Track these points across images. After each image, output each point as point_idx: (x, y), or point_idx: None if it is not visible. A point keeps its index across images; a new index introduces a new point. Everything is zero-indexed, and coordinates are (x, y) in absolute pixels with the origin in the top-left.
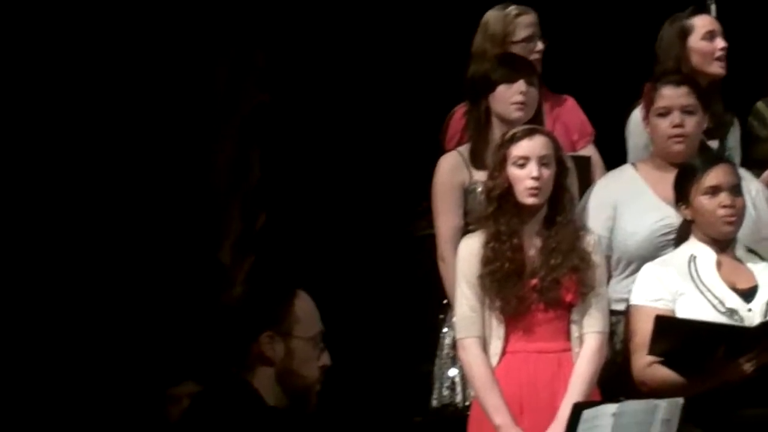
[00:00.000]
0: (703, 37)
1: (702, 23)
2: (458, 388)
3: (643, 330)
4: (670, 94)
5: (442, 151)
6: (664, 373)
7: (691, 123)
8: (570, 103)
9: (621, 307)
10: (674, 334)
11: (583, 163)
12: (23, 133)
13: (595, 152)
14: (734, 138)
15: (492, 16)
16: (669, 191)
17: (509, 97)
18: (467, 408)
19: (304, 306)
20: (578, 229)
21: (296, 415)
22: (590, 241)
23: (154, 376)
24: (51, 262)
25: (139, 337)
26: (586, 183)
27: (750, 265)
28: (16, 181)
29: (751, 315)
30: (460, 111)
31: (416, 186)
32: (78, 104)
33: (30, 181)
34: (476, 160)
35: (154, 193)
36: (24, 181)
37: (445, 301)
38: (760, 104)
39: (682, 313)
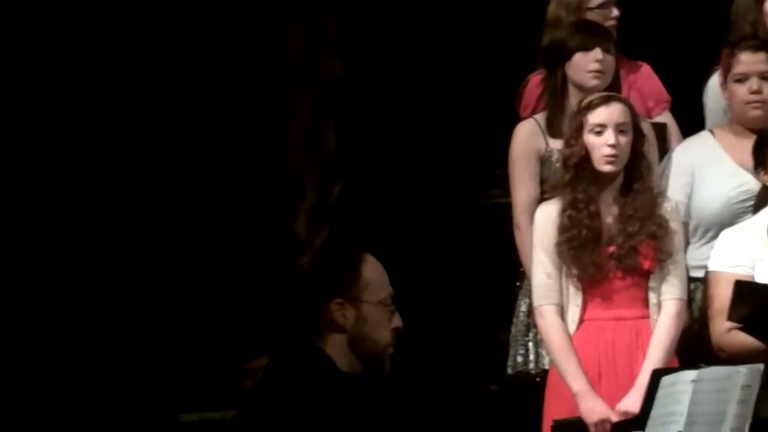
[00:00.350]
0: None
1: None
2: (531, 356)
3: (721, 296)
4: (748, 60)
5: (517, 119)
6: (744, 339)
7: None
8: (645, 70)
9: (699, 273)
10: (754, 300)
11: (659, 130)
12: (90, 106)
13: (670, 119)
14: None
15: None
16: (747, 157)
17: (586, 65)
18: (538, 374)
19: (371, 270)
20: (655, 195)
21: (371, 382)
22: (668, 208)
23: (229, 350)
24: (131, 232)
25: (212, 310)
26: (662, 150)
27: None
28: (81, 158)
29: None
30: (534, 79)
31: (491, 153)
32: (155, 76)
33: (100, 149)
34: (552, 128)
35: (230, 165)
36: (94, 150)
37: (521, 269)
38: None
39: (761, 279)
